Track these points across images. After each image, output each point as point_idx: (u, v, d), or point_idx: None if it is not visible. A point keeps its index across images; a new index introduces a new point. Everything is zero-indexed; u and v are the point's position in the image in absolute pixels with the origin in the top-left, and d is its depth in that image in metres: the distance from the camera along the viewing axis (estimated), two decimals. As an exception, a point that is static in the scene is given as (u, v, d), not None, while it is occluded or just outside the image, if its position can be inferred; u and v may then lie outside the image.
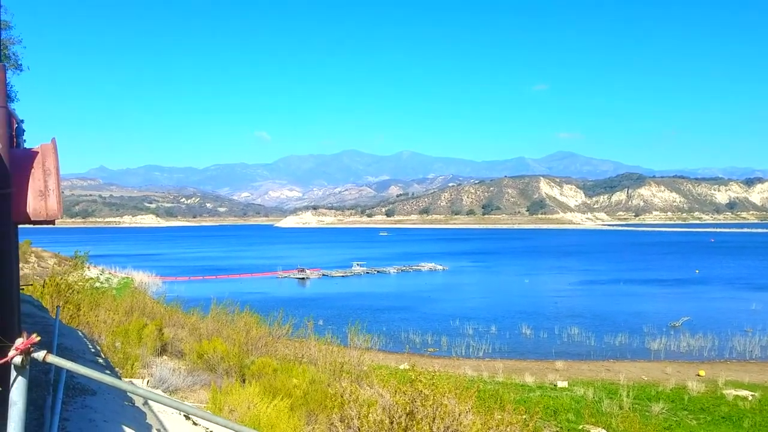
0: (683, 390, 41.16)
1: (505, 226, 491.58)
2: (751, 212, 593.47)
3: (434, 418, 7.79)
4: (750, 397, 39.44)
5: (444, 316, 75.53)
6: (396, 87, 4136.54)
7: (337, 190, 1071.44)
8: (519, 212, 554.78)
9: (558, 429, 27.91)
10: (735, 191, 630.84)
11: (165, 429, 5.61)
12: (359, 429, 7.74)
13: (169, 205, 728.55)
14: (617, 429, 25.87)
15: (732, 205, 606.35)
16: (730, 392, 40.65)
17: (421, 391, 8.02)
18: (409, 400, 8.08)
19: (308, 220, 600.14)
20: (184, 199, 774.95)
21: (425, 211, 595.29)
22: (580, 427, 29.36)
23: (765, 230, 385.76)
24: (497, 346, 58.61)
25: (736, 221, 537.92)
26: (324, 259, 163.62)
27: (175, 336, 17.18)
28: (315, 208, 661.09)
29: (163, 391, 10.20)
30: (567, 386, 42.22)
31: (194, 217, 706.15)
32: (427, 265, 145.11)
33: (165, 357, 15.26)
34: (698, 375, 46.52)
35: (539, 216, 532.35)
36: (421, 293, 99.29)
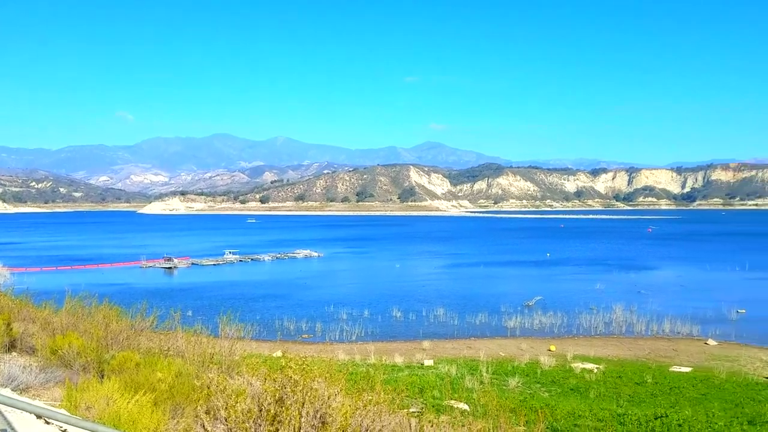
0: (536, 364, 44.83)
1: (378, 213, 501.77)
2: (596, 200, 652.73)
3: (303, 403, 7.96)
4: (595, 370, 43.84)
5: (319, 303, 75.95)
6: (271, 72, 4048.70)
7: (207, 175, 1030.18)
8: (391, 200, 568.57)
9: (424, 405, 29.27)
10: (582, 181, 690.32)
11: (13, 429, 5.26)
12: (226, 419, 7.71)
13: (17, 189, 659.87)
14: (478, 403, 27.67)
15: (579, 194, 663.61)
16: (578, 365, 44.92)
17: (291, 377, 8.14)
18: (279, 386, 8.17)
19: (176, 206, 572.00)
20: (34, 183, 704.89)
21: (301, 197, 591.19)
22: (444, 402, 30.98)
23: (608, 216, 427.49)
24: (369, 330, 60.06)
25: (583, 208, 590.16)
26: (194, 248, 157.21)
27: (25, 331, 15.85)
28: (183, 193, 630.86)
29: (13, 390, 9.49)
30: (433, 364, 44.35)
31: (46, 203, 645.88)
32: (302, 252, 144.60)
33: (14, 353, 14.11)
34: (549, 350, 50.88)
35: (409, 203, 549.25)
36: (297, 280, 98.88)
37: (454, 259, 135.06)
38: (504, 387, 37.66)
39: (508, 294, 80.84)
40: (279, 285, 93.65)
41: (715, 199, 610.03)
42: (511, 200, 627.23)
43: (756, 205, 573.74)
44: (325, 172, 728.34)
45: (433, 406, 29.04)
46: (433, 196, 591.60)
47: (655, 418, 30.70)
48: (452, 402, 30.41)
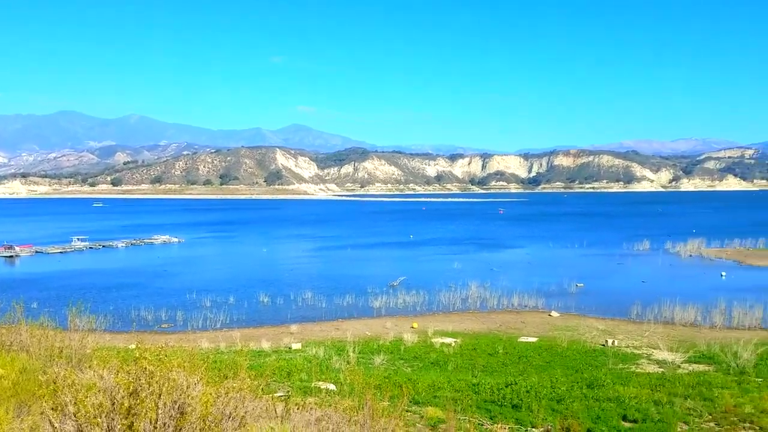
0: (400, 342, 46.60)
1: (243, 197, 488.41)
2: (454, 184, 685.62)
3: (160, 394, 7.66)
4: (453, 344, 46.45)
5: (180, 290, 72.71)
6: (121, 44, 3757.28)
7: (52, 155, 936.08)
8: (257, 182, 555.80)
9: (291, 389, 29.29)
10: (442, 165, 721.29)
11: None
12: (75, 415, 7.22)
13: None
14: (345, 382, 28.19)
15: (440, 178, 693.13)
16: (438, 340, 47.30)
17: (146, 368, 7.79)
18: (133, 379, 7.79)
19: (17, 189, 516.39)
20: None
21: (158, 180, 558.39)
22: (312, 384, 31.21)
23: (465, 199, 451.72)
24: (235, 316, 58.70)
25: (443, 192, 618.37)
26: (37, 234, 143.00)
27: None
28: (25, 176, 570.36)
29: None
30: (301, 348, 44.45)
31: None
32: (160, 238, 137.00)
33: None
34: (412, 327, 53.08)
35: (276, 186, 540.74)
36: (155, 267, 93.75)
37: (323, 242, 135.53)
38: (370, 365, 38.71)
39: (375, 275, 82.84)
40: (135, 273, 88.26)
41: (557, 183, 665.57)
42: (377, 184, 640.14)
43: (593, 188, 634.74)
44: (185, 153, 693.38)
45: (300, 389, 29.15)
46: (301, 179, 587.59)
47: (506, 386, 33.24)
48: (320, 383, 30.71)
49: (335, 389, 28.45)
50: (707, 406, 29.47)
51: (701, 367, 38.26)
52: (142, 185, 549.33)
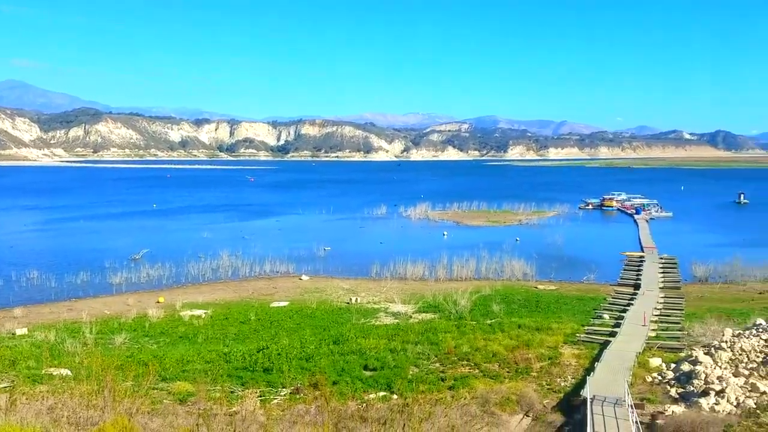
0: (144, 318, 43.94)
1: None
2: (201, 150, 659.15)
3: None
4: (203, 315, 45.39)
5: None
6: None
7: None
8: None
9: (17, 377, 25.91)
10: (186, 130, 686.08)
11: None
12: None
13: None
14: (81, 366, 25.83)
15: (185, 144, 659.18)
16: (187, 313, 45.77)
17: None
18: None
19: None
20: None
21: None
22: (43, 371, 28.02)
23: (213, 166, 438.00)
24: (-68, 306, 48.92)
25: (189, 158, 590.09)
26: None
27: None
28: None
29: None
30: (27, 333, 39.30)
31: None
32: None
33: None
34: (158, 302, 50.35)
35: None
36: None
37: (50, 213, 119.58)
38: (110, 345, 35.95)
39: (113, 248, 76.13)
40: None
41: (305, 152, 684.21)
42: (113, 149, 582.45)
43: (337, 156, 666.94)
44: None
45: (29, 378, 25.95)
46: (20, 143, 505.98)
47: (258, 351, 33.90)
48: (52, 369, 27.73)
49: (71, 374, 25.96)
50: (434, 349, 33.94)
51: (429, 316, 43.70)
52: None
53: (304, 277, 61.19)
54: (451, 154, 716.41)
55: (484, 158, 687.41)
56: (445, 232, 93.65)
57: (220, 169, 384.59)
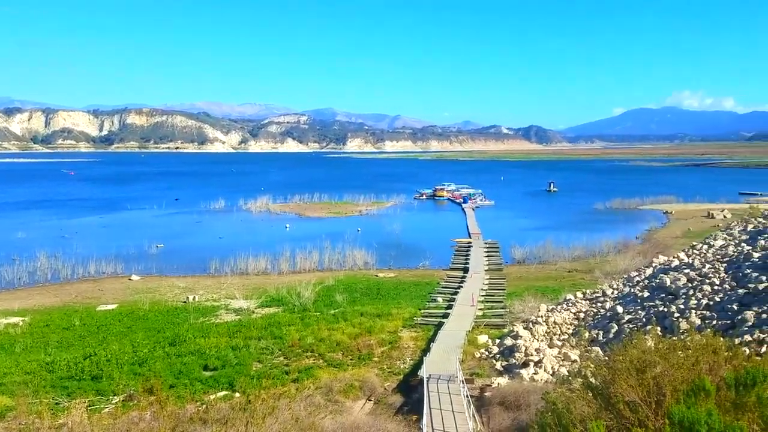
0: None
1: None
2: (12, 142, 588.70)
3: None
4: (21, 323, 40.64)
5: None
6: None
7: None
8: None
9: None
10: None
11: None
12: None
13: None
14: None
15: None
16: (1, 321, 40.72)
17: None
18: None
19: None
20: None
21: None
22: None
23: (27, 159, 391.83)
24: None
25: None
26: None
27: None
28: None
29: None
30: None
31: None
32: None
33: None
34: (-40, 313, 44.16)
35: None
36: None
37: None
38: None
39: None
40: None
41: (131, 142, 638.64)
42: None
43: (168, 148, 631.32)
44: None
45: None
46: None
47: (84, 359, 31.26)
48: None
49: None
50: (278, 343, 33.75)
51: (272, 310, 43.29)
52: None
53: (135, 277, 57.26)
54: (291, 146, 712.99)
55: (324, 150, 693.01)
56: (288, 225, 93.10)
57: (35, 163, 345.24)
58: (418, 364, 28.20)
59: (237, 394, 24.93)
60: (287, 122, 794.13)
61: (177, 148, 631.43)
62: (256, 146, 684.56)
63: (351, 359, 31.01)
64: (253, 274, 59.14)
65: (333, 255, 64.57)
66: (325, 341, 33.24)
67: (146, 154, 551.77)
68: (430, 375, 25.29)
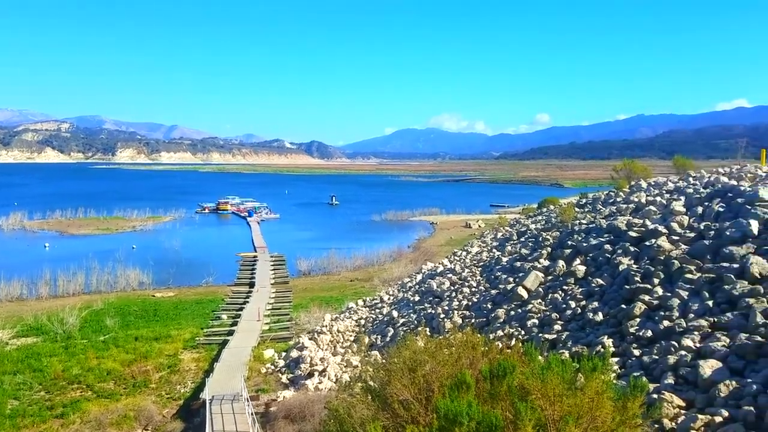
0: None
1: None
2: None
3: None
4: None
5: None
6: None
7: None
8: None
9: None
10: None
11: None
12: None
13: None
14: None
15: None
16: None
17: None
18: None
19: None
20: None
21: None
22: None
23: None
24: None
25: None
26: None
27: None
28: None
29: None
30: None
31: None
32: None
33: None
34: None
35: None
36: None
37: None
38: None
39: None
40: None
41: None
42: None
43: None
44: None
45: None
46: None
47: None
48: None
49: None
50: (37, 376, 29.81)
51: (30, 340, 38.02)
52: None
53: None
54: (51, 156, 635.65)
55: (89, 161, 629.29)
56: (47, 244, 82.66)
57: None
58: (200, 387, 27.14)
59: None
60: (46, 130, 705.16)
61: None
62: (8, 156, 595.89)
63: (125, 388, 28.66)
64: (6, 300, 51.42)
65: (102, 276, 58.89)
66: (93, 370, 30.26)
67: None
68: (213, 396, 24.52)
